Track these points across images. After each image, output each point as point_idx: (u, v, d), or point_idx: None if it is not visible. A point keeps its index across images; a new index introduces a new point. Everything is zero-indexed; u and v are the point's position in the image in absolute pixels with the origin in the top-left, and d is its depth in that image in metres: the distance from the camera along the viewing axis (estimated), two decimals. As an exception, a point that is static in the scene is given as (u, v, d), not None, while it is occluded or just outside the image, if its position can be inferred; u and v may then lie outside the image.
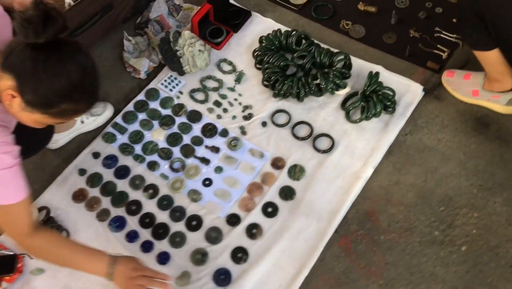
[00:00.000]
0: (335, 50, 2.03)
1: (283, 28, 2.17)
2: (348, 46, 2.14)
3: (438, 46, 2.07)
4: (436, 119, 1.91)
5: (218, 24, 2.21)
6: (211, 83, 2.11)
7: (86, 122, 1.97)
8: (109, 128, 2.01)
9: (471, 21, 1.61)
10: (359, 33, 2.16)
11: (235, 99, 2.05)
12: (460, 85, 1.91)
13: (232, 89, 2.08)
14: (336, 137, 1.90)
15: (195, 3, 2.34)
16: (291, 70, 2.06)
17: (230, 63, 2.15)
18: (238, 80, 2.09)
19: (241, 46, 2.19)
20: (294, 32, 2.08)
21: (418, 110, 1.93)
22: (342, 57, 1.99)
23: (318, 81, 1.94)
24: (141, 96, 2.09)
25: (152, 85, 2.12)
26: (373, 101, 1.87)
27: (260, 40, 2.11)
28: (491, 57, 1.71)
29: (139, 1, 2.27)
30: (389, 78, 2.00)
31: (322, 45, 2.11)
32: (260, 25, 2.24)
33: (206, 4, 2.16)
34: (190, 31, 2.16)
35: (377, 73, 1.92)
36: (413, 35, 2.11)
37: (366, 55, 2.10)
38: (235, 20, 2.25)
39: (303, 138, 1.91)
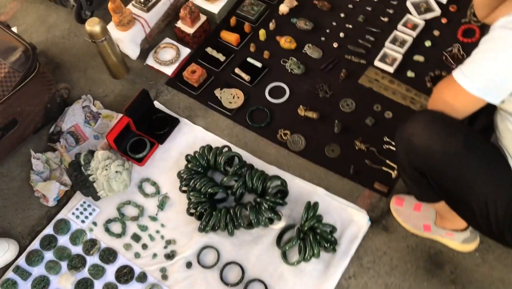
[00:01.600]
0: (270, 174, 1.79)
1: (214, 140, 1.93)
2: (286, 161, 1.89)
3: (387, 161, 1.84)
4: (384, 257, 1.67)
5: (141, 135, 1.96)
6: (130, 211, 1.84)
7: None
8: (9, 274, 1.73)
9: (412, 175, 1.37)
10: (299, 144, 1.91)
11: (157, 232, 1.78)
12: (411, 217, 1.67)
13: (154, 218, 1.81)
14: (271, 283, 1.64)
15: (117, 108, 2.08)
16: (221, 194, 1.82)
17: (154, 183, 1.88)
18: (161, 206, 1.83)
19: (167, 161, 1.93)
20: (224, 150, 1.83)
21: (363, 246, 1.69)
22: (277, 183, 1.75)
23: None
24: (49, 230, 1.81)
25: (62, 215, 1.83)
26: (310, 241, 1.63)
27: (187, 158, 1.86)
28: (438, 206, 1.48)
29: (50, 109, 2.00)
30: (331, 205, 1.75)
31: (257, 160, 1.87)
32: (189, 135, 1.98)
33: (123, 118, 1.90)
34: (106, 148, 1.90)
35: (315, 205, 1.68)
36: (359, 147, 1.87)
37: (306, 173, 1.85)
38: (161, 128, 1.99)
39: (233, 285, 1.66)
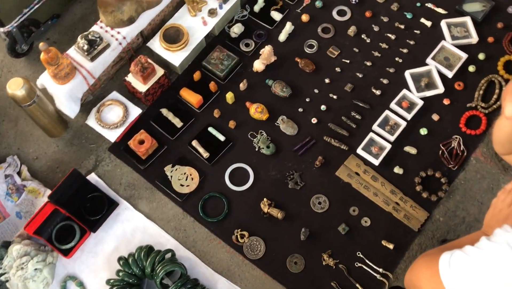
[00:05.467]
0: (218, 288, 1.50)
1: (157, 233, 1.62)
2: (240, 272, 1.58)
3: (358, 286, 1.55)
4: None
5: (71, 217, 1.63)
6: (48, 318, 1.56)
7: None
8: None
9: None
10: (256, 251, 1.60)
11: None
12: None
13: (75, 331, 1.54)
14: None
15: (46, 178, 1.73)
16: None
17: (80, 284, 1.57)
18: (85, 316, 1.55)
19: (99, 257, 1.61)
20: (166, 257, 1.52)
21: None
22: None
23: None
24: (-52, 335, 1.54)
25: (-34, 317, 1.56)
26: None
27: (119, 262, 1.55)
28: None
29: (-35, 177, 1.67)
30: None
31: (204, 269, 1.57)
32: (128, 223, 1.65)
33: (48, 205, 1.57)
34: (26, 238, 1.58)
35: None
36: (326, 262, 1.57)
37: (263, 288, 1.57)
38: (96, 211, 1.67)
39: None
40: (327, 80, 1.85)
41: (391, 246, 1.59)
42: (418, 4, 1.95)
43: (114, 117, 1.77)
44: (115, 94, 1.82)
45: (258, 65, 1.85)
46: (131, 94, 1.84)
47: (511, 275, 0.87)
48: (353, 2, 1.97)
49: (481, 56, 1.86)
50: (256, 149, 1.75)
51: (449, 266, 0.97)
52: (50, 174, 1.75)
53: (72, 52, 1.76)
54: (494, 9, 1.92)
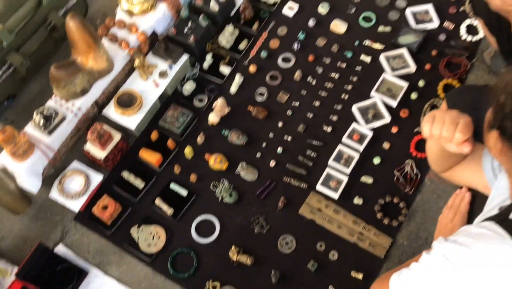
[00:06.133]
0: None
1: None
2: (216, 323, 1.60)
3: (333, 321, 1.57)
4: None
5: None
6: None
7: None
8: None
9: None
10: (230, 300, 1.63)
11: None
12: None
13: None
14: None
15: (14, 256, 1.71)
16: None
17: None
18: None
19: (72, 328, 1.61)
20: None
21: None
22: None
23: None
24: None
25: None
26: None
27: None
28: None
29: None
30: None
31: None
32: (101, 290, 1.67)
33: (15, 282, 1.57)
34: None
35: None
36: (300, 301, 1.60)
37: (239, 339, 1.57)
38: (67, 283, 1.65)
39: None
40: (280, 124, 1.93)
41: (360, 276, 1.61)
42: (357, 43, 2.08)
43: (76, 187, 1.80)
44: (75, 164, 1.86)
45: (213, 118, 1.93)
46: (92, 162, 1.88)
47: (449, 285, 0.91)
48: (296, 49, 2.09)
49: (421, 83, 1.97)
50: (220, 199, 1.78)
51: (398, 285, 1.00)
52: (17, 251, 1.74)
53: (29, 128, 1.81)
54: (427, 39, 2.05)
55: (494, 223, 0.94)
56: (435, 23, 2.08)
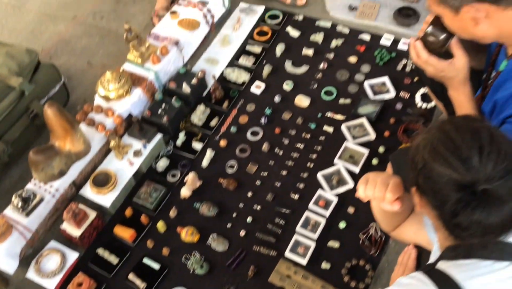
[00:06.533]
0: None
1: None
2: None
3: None
4: None
5: None
6: None
7: None
8: None
9: None
10: None
11: None
12: None
13: None
14: None
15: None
16: None
17: None
18: None
19: None
20: None
21: None
22: None
23: None
24: None
25: None
26: None
27: None
28: None
29: None
30: None
31: None
32: None
33: None
34: None
35: None
36: None
37: None
38: None
39: None
40: (249, 194, 2.01)
41: None
42: (319, 115, 2.22)
43: (52, 266, 1.85)
44: (53, 244, 1.92)
45: (185, 192, 2.01)
46: (69, 240, 1.94)
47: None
48: (263, 123, 2.22)
49: (381, 149, 2.08)
50: (191, 271, 1.83)
51: None
52: (-9, 335, 1.76)
53: (8, 211, 1.89)
54: (385, 108, 2.20)
55: (422, 273, 1.00)
56: (391, 94, 2.24)
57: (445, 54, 1.41)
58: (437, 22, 1.37)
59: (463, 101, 1.43)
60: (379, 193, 1.15)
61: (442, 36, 1.37)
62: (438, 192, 0.97)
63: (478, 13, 1.18)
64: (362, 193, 1.18)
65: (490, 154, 0.93)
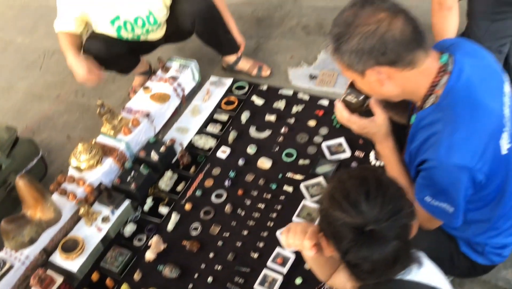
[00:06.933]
0: None
1: None
2: None
3: None
4: None
5: None
6: None
7: None
8: None
9: None
10: None
11: None
12: None
13: None
14: None
15: None
16: None
17: None
18: None
19: None
20: None
21: None
22: None
23: None
24: None
25: None
26: None
27: None
28: None
29: None
30: None
31: None
32: None
33: None
34: None
35: None
36: None
37: None
38: None
39: None
40: (211, 255, 2.09)
41: None
42: (280, 176, 2.34)
43: (17, 332, 1.91)
44: (20, 310, 1.98)
45: (149, 255, 2.09)
46: (36, 307, 2.00)
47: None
48: (227, 186, 2.34)
49: (337, 205, 2.18)
50: (152, 333, 1.88)
51: None
52: None
53: (-22, 280, 1.98)
54: (341, 167, 2.30)
55: None
56: (347, 153, 2.36)
57: (367, 112, 1.56)
58: (355, 84, 1.52)
59: (387, 154, 1.55)
60: (299, 240, 1.25)
61: (361, 97, 1.52)
62: (336, 234, 1.07)
63: (380, 75, 1.33)
64: (284, 241, 1.28)
65: (376, 198, 1.04)
